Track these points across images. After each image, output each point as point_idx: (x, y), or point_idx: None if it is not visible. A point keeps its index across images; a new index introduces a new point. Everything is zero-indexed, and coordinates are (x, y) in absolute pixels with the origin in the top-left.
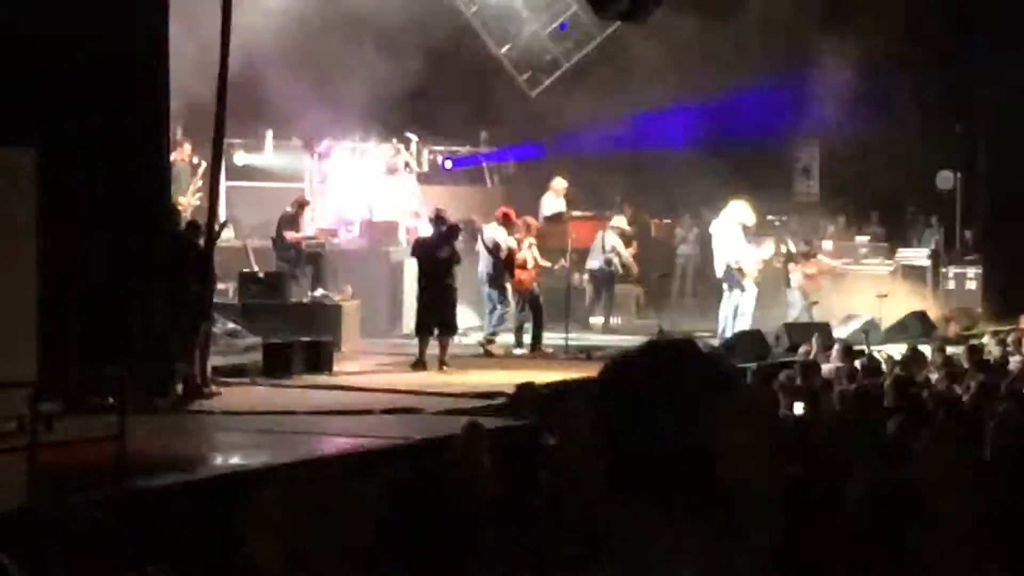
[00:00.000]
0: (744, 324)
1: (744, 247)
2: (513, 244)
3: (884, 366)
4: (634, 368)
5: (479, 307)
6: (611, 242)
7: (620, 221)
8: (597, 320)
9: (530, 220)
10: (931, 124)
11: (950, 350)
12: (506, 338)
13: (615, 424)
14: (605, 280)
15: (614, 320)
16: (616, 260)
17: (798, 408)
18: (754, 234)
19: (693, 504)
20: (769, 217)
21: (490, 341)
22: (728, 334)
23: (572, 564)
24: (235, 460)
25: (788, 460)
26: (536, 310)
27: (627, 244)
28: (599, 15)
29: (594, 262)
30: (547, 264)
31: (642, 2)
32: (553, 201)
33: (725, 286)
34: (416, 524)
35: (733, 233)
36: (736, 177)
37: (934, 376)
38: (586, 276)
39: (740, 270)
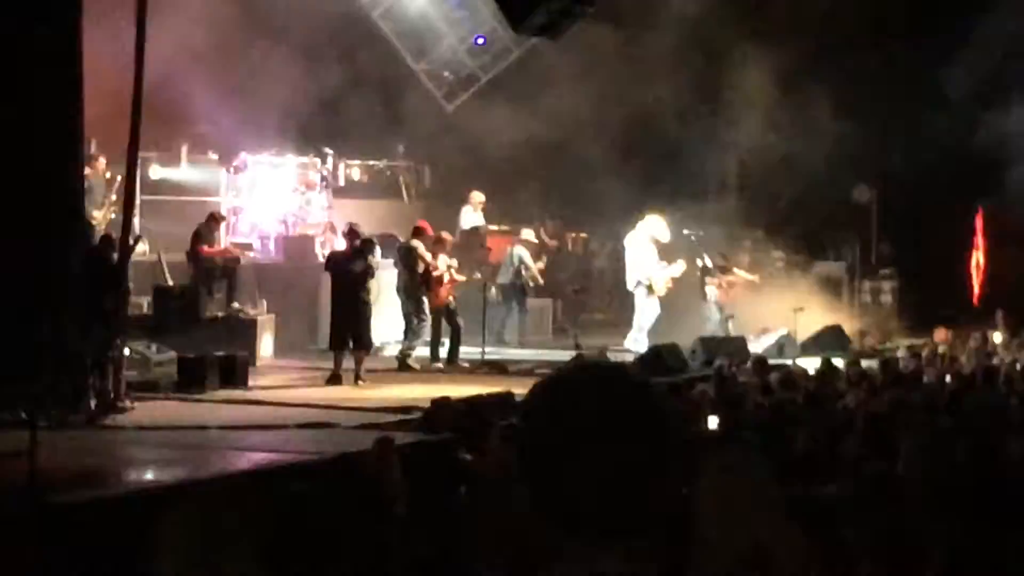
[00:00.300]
0: (646, 340)
1: (655, 263)
2: (429, 258)
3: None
4: (562, 394)
5: (397, 321)
6: (519, 255)
7: (528, 234)
8: (512, 334)
9: (444, 234)
10: (848, 137)
11: (865, 363)
12: (423, 352)
13: (543, 450)
14: (516, 294)
15: (529, 334)
16: (525, 273)
17: (713, 422)
18: (666, 250)
19: (625, 530)
20: (685, 231)
21: (407, 355)
22: (637, 348)
23: None
24: (148, 476)
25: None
26: (453, 324)
27: (537, 258)
28: (516, 30)
29: (504, 277)
30: (462, 278)
31: (560, 17)
32: (471, 215)
33: (636, 300)
34: (326, 540)
35: (645, 248)
36: (653, 191)
37: (848, 390)
38: (495, 291)
39: (649, 287)
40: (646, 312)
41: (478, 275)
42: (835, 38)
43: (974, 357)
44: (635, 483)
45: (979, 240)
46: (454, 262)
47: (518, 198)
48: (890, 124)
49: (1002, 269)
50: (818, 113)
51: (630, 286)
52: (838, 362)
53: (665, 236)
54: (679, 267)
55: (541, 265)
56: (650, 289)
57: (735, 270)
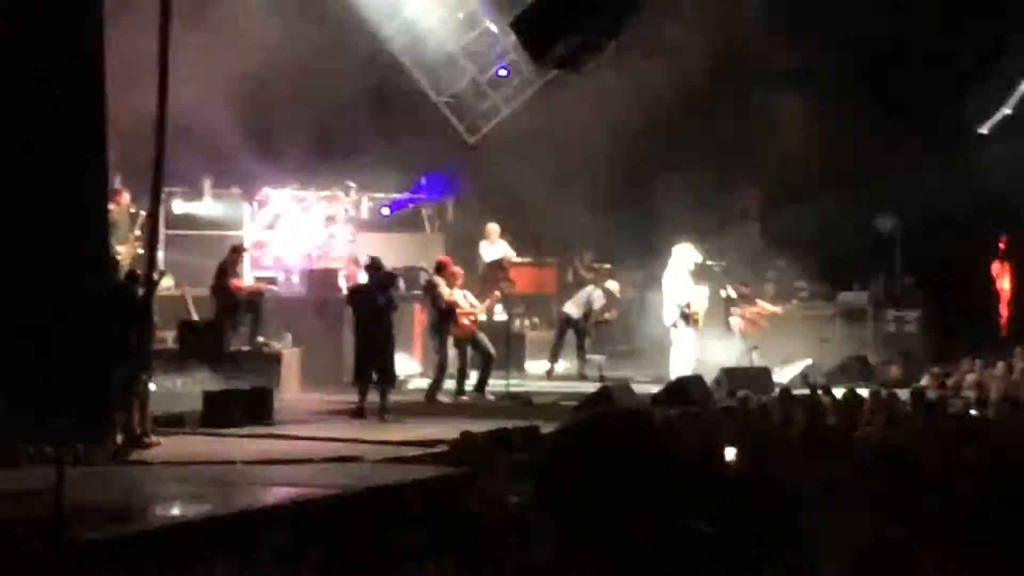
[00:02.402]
0: (689, 369)
1: (693, 290)
2: (448, 292)
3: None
4: (581, 446)
5: (423, 354)
6: (597, 300)
7: (614, 286)
8: (535, 365)
9: (456, 268)
10: (871, 164)
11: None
12: (450, 384)
13: (563, 501)
14: (575, 329)
15: (558, 366)
16: (593, 317)
17: (731, 454)
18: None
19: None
20: (708, 262)
21: (433, 388)
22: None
23: None
24: (174, 511)
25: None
26: (483, 354)
27: (610, 307)
28: (537, 62)
29: (573, 309)
30: (481, 308)
31: (580, 50)
32: (489, 248)
33: (674, 331)
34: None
35: (684, 278)
36: (674, 221)
37: (873, 420)
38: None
39: (690, 315)
40: (691, 342)
41: (499, 306)
42: (861, 67)
43: (1000, 387)
44: (644, 520)
45: (1004, 269)
46: (467, 295)
47: (544, 230)
48: (914, 152)
49: None
50: (841, 141)
51: (668, 321)
52: (863, 392)
53: (699, 258)
54: (704, 292)
55: (611, 315)
56: (690, 319)
57: (758, 301)
